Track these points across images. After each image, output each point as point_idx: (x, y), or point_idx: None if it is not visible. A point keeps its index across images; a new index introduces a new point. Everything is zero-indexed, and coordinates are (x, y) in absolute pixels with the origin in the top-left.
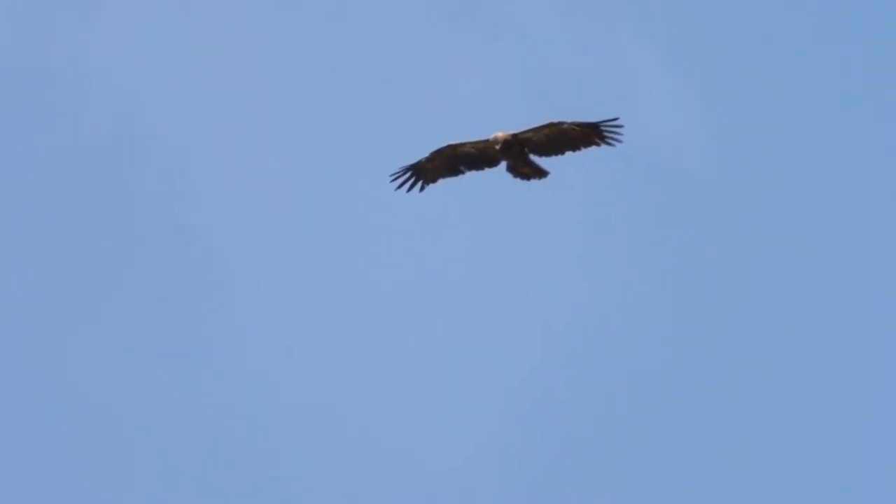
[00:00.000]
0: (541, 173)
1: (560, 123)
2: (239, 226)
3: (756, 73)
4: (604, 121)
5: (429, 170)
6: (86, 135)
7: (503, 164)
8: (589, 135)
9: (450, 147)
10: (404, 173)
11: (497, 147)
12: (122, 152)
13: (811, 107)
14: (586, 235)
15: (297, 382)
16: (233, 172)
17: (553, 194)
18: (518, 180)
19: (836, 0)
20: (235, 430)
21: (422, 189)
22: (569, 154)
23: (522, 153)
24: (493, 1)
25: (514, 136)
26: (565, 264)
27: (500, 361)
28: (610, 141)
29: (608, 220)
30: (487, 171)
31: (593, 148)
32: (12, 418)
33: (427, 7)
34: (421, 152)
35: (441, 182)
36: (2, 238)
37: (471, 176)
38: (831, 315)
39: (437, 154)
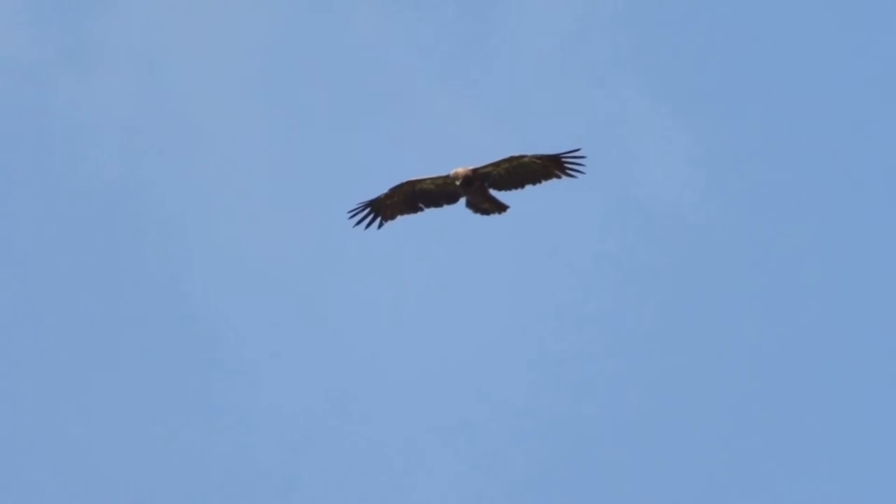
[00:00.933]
0: (500, 208)
1: (521, 157)
2: (237, 284)
3: (753, 122)
4: (565, 152)
5: (387, 206)
6: (85, 190)
7: (463, 200)
8: (550, 167)
9: (409, 183)
10: (363, 209)
11: (457, 183)
12: (122, 208)
13: (809, 151)
14: (579, 268)
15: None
16: (230, 229)
17: (544, 227)
18: (478, 216)
19: (837, 48)
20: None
21: (380, 226)
22: (529, 188)
23: (482, 188)
24: (493, 60)
25: (475, 171)
26: (560, 288)
27: (492, 378)
28: (571, 173)
29: (605, 256)
30: (447, 207)
31: (553, 180)
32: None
33: (425, 63)
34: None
35: (399, 219)
36: None
37: (430, 213)
38: (828, 330)
39: (396, 190)
